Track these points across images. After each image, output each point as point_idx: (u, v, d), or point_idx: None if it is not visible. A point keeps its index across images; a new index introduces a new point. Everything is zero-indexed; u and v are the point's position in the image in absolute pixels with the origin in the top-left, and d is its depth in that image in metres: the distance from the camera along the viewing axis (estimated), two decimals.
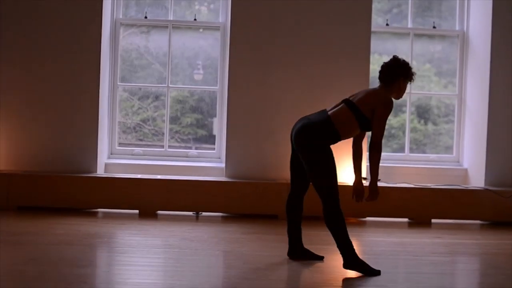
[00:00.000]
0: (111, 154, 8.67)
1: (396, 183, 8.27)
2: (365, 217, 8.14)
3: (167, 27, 8.72)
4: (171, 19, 8.74)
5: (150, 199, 7.88)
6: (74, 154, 8.15)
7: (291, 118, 8.04)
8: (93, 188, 7.88)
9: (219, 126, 8.66)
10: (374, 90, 5.63)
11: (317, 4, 8.25)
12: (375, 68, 8.38)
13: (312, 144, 5.42)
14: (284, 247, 6.45)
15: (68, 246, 6.17)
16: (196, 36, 8.99)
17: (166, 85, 8.74)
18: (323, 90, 8.19)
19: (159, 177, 7.98)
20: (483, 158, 8.51)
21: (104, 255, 5.88)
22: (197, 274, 5.29)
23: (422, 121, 9.26)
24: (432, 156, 9.06)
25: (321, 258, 5.91)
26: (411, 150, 9.06)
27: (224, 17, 8.65)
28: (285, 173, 8.12)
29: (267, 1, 8.20)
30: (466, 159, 8.95)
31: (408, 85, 5.71)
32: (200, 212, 8.01)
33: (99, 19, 8.15)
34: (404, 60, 5.63)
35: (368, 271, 5.38)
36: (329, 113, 5.57)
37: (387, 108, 5.45)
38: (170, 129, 8.92)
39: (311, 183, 5.58)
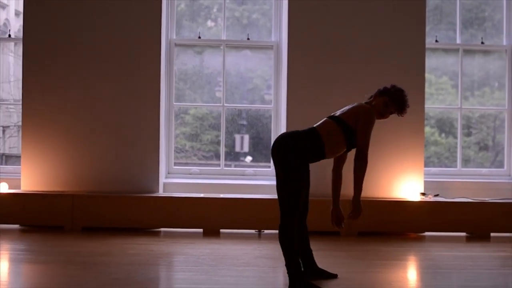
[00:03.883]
0: (168, 173, 8.75)
1: (454, 198, 8.33)
2: (423, 232, 8.20)
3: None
4: (224, 38, 8.84)
5: (214, 218, 7.95)
6: (136, 174, 8.24)
7: None
8: (156, 207, 7.95)
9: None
10: (358, 103, 5.53)
11: (372, 20, 8.34)
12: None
13: (292, 151, 5.15)
14: (359, 263, 6.56)
15: (147, 266, 6.23)
16: (218, 54, 9.09)
17: (221, 104, 8.83)
18: None
19: (221, 196, 8.04)
20: None
21: (187, 275, 5.91)
22: None
23: (443, 135, 9.33)
24: (484, 170, 9.15)
25: (335, 276, 5.78)
26: (433, 164, 9.14)
27: (277, 36, 8.75)
28: (346, 190, 8.22)
29: (323, 19, 8.30)
30: None
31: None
32: (262, 230, 8.07)
33: (158, 40, 8.26)
34: (402, 90, 5.61)
35: None
36: (314, 125, 5.40)
37: (370, 116, 5.35)
38: (192, 147, 9.02)
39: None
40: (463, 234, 8.27)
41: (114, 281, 5.52)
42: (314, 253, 6.91)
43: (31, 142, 8.23)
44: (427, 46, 8.75)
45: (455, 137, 9.27)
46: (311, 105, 8.31)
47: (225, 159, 9.01)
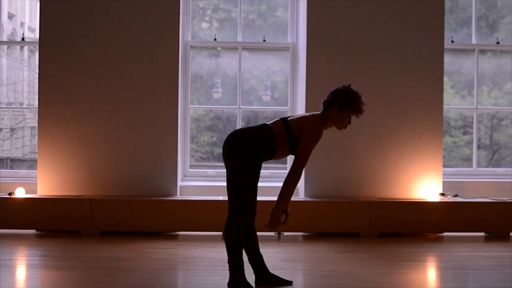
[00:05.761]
0: (184, 176, 8.70)
1: (473, 198, 8.31)
2: (442, 233, 8.18)
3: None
4: (240, 40, 8.80)
5: None
6: (154, 178, 8.18)
7: (369, 136, 8.18)
8: (175, 211, 7.91)
9: None
10: (311, 114, 5.31)
11: (390, 21, 8.31)
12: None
13: (243, 147, 5.10)
14: (386, 265, 6.55)
15: (174, 271, 6.23)
16: (213, 56, 9.10)
17: (237, 107, 8.79)
18: (400, 107, 8.29)
19: None
20: None
21: (217, 279, 5.83)
22: None
23: None
24: (500, 170, 9.14)
25: (290, 283, 5.55)
26: None
27: (293, 37, 8.72)
28: (365, 191, 8.24)
29: (341, 20, 8.26)
30: None
31: None
32: (282, 232, 8.03)
33: (176, 41, 8.20)
34: (347, 90, 5.25)
35: None
36: (267, 123, 5.30)
37: (312, 135, 5.12)
38: (190, 148, 8.99)
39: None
40: (482, 234, 8.24)
41: (144, 286, 5.48)
42: (336, 255, 6.97)
43: (47, 146, 8.15)
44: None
45: (451, 136, 9.29)
46: None
47: (221, 161, 8.98)
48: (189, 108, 8.74)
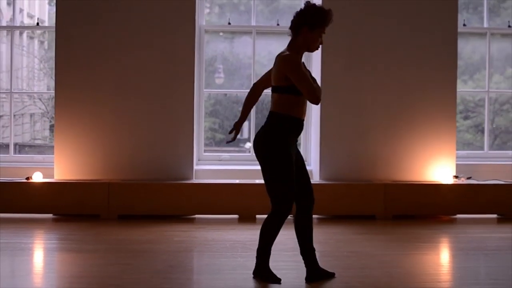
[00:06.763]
0: (198, 160, 8.75)
1: (486, 180, 8.38)
2: (455, 215, 8.25)
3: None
4: (254, 24, 8.83)
5: (250, 204, 7.96)
6: (170, 161, 8.23)
7: (384, 119, 8.24)
8: (192, 194, 7.97)
9: (304, 128, 8.73)
10: (280, 56, 4.97)
11: (404, 5, 8.35)
12: None
13: (268, 144, 5.03)
14: (404, 246, 6.64)
15: (196, 253, 6.35)
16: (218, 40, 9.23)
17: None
18: (414, 91, 8.36)
19: (257, 181, 8.02)
20: None
21: (240, 261, 5.91)
22: (358, 275, 5.43)
23: None
24: (511, 152, 9.20)
25: (333, 275, 5.39)
26: None
27: None
28: (380, 174, 8.31)
29: (356, 5, 8.28)
30: None
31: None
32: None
33: (192, 26, 8.25)
34: (310, 6, 4.91)
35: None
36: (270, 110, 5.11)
37: (294, 70, 4.82)
38: None
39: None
40: (494, 216, 8.30)
41: (170, 268, 5.57)
42: (354, 237, 7.04)
43: (64, 130, 8.19)
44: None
45: None
46: (344, 90, 8.33)
47: (223, 146, 9.06)
48: (204, 93, 8.78)
